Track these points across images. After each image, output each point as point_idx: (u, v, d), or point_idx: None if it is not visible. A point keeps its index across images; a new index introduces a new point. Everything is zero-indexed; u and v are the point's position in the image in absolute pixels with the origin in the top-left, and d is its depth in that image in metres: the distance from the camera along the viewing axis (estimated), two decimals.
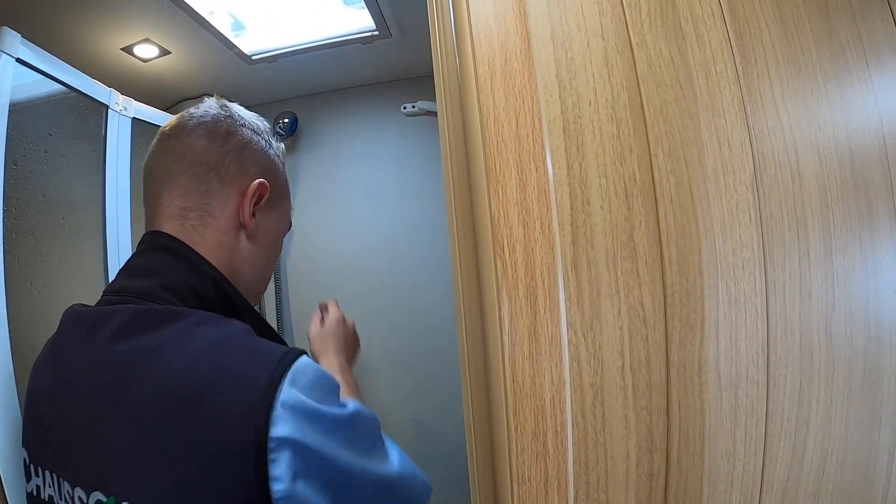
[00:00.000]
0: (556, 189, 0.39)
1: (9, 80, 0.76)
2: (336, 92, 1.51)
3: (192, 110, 0.56)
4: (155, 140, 0.56)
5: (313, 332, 0.77)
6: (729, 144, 0.40)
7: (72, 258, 0.96)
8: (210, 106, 0.57)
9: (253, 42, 1.20)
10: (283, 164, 0.62)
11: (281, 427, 0.38)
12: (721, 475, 0.39)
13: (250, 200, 0.54)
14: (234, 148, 0.55)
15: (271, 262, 0.61)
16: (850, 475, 0.40)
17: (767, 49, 0.42)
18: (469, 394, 0.47)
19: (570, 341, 0.38)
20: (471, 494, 0.48)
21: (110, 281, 0.53)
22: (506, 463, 0.39)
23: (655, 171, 0.40)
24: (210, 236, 0.52)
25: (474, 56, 0.42)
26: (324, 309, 0.80)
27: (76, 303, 0.53)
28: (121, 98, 1.08)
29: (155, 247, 0.51)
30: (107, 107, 1.04)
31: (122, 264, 0.53)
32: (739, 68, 0.41)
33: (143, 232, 0.55)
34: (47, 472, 0.47)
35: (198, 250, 0.51)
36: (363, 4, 1.05)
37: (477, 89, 0.42)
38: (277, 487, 0.38)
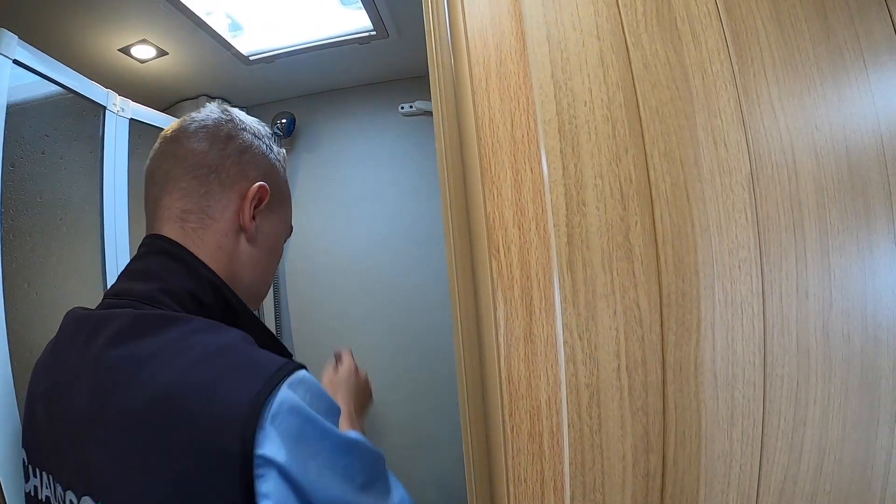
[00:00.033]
0: (552, 190, 0.39)
1: (6, 82, 0.76)
2: (333, 92, 1.51)
3: (193, 114, 0.57)
4: (157, 143, 0.57)
5: (325, 380, 0.77)
6: (725, 144, 0.40)
7: (69, 259, 0.96)
8: (212, 110, 0.57)
9: (250, 42, 1.20)
10: (284, 169, 0.63)
11: (268, 446, 0.37)
12: (718, 476, 0.39)
13: (250, 203, 0.54)
14: (234, 151, 0.55)
15: (272, 265, 0.61)
16: (847, 475, 0.40)
17: (764, 49, 0.41)
18: (465, 395, 0.46)
19: (565, 342, 0.38)
20: (467, 495, 0.48)
21: (107, 282, 0.53)
22: (502, 464, 0.39)
23: (651, 172, 0.40)
24: (210, 239, 0.53)
25: (469, 57, 0.42)
26: (338, 359, 0.81)
27: (77, 306, 0.54)
28: (118, 99, 1.08)
29: (155, 250, 0.51)
30: (104, 108, 1.04)
31: (119, 265, 0.53)
32: (736, 68, 0.41)
33: (141, 233, 0.55)
34: (44, 474, 0.47)
35: (198, 254, 0.51)
36: (360, 5, 1.04)
37: (472, 90, 0.42)
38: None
